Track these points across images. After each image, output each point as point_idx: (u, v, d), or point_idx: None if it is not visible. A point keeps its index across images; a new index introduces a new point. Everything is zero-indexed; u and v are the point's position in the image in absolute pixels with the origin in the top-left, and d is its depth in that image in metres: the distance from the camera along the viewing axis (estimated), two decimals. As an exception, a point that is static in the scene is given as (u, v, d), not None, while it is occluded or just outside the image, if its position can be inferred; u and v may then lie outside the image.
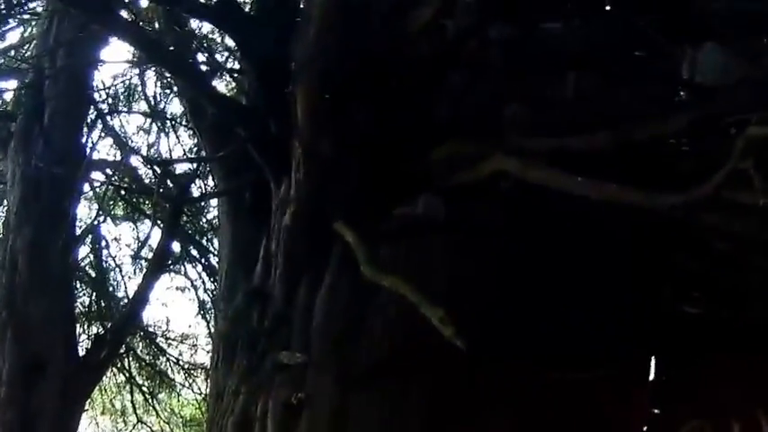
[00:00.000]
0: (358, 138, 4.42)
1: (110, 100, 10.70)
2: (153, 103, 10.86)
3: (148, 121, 11.21)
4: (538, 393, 5.33)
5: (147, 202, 10.58)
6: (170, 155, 11.05)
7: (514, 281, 4.96)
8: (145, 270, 10.13)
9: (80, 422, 9.60)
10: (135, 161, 11.39)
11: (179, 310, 13.53)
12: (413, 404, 5.30)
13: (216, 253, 10.21)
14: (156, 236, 9.47)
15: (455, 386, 5.32)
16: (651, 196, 3.65)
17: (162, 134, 11.25)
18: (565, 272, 5.22)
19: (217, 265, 9.05)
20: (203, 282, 11.51)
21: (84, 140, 9.92)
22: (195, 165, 9.22)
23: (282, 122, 4.51)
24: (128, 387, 12.63)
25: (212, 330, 10.52)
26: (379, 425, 4.89)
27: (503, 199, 4.67)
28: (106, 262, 11.84)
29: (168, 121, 11.03)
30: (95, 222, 11.14)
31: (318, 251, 4.55)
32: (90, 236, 11.22)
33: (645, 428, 5.58)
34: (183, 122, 10.47)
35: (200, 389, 12.62)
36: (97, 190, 11.20)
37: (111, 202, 11.54)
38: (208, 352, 12.23)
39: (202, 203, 10.58)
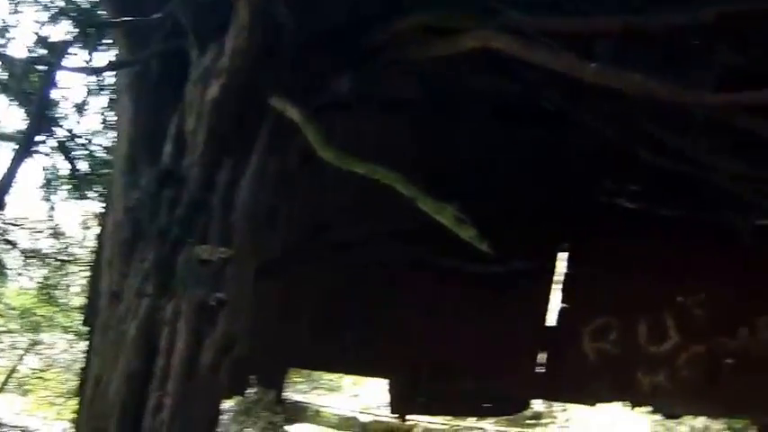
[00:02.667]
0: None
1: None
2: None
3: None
4: (446, 286, 5.27)
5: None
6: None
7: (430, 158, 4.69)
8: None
9: None
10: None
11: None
12: (308, 292, 5.27)
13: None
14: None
15: (353, 275, 5.25)
16: (680, 91, 3.43)
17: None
18: (478, 156, 4.99)
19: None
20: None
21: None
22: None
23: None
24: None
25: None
26: (278, 313, 4.78)
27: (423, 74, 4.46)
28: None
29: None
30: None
31: (246, 130, 4.00)
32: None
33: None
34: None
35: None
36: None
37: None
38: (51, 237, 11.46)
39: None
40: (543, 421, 12.50)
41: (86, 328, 5.06)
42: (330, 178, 5.12)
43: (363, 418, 13.31)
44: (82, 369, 4.77)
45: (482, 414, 9.46)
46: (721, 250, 5.58)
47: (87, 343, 4.81)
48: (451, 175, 4.41)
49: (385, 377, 5.87)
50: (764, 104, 3.66)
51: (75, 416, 4.59)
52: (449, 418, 12.48)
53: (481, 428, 12.85)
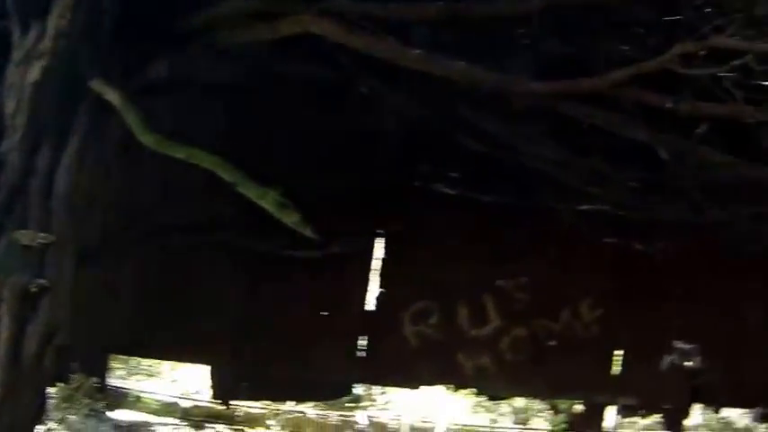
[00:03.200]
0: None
1: None
2: None
3: None
4: (265, 271, 5.33)
5: None
6: None
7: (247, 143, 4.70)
8: None
9: None
10: None
11: None
12: (126, 278, 5.20)
13: None
14: None
15: (173, 261, 5.23)
16: (506, 79, 3.52)
17: None
18: (295, 142, 4.99)
19: None
20: None
21: None
22: None
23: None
24: None
25: None
26: (98, 299, 4.67)
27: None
28: None
29: None
30: None
31: (66, 114, 3.89)
32: None
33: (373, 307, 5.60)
34: None
35: None
36: None
37: None
38: None
39: None
40: (363, 404, 12.65)
41: None
42: (148, 163, 5.05)
43: (184, 404, 13.09)
44: None
45: (305, 399, 9.42)
46: (542, 235, 5.79)
47: None
48: (268, 160, 4.35)
49: (207, 363, 5.82)
50: (588, 92, 3.79)
51: None
52: (271, 402, 12.45)
53: (302, 412, 12.88)
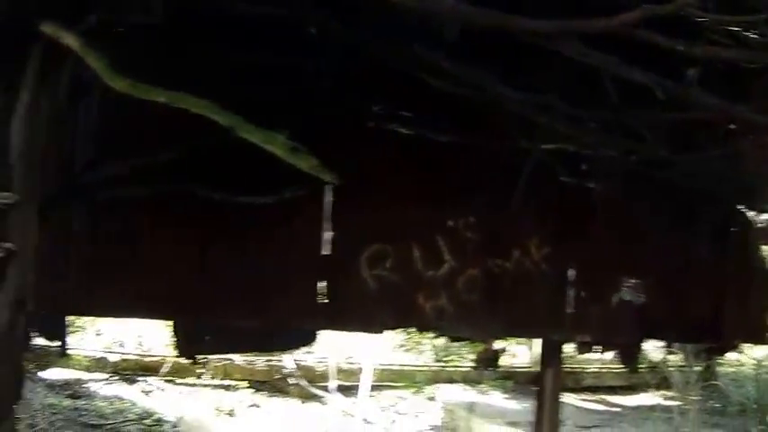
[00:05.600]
0: None
1: None
2: None
3: None
4: (219, 220, 5.13)
5: None
6: None
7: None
8: None
9: None
10: None
11: None
12: (76, 234, 4.97)
13: None
14: None
15: (122, 215, 5.01)
16: (507, 18, 3.36)
17: None
18: (239, 86, 4.75)
19: None
20: None
21: None
22: None
23: None
24: None
25: None
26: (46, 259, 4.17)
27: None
28: None
29: None
30: None
31: (15, 61, 3.58)
32: None
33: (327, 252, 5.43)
34: None
35: None
36: None
37: None
38: None
39: None
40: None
41: None
42: (83, 112, 4.75)
43: (112, 358, 12.94)
44: None
45: (269, 349, 9.38)
46: (490, 174, 5.69)
47: None
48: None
49: (167, 318, 5.65)
50: (598, 32, 3.74)
51: None
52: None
53: (229, 359, 12.82)
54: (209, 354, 7.71)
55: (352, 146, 5.23)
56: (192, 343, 5.59)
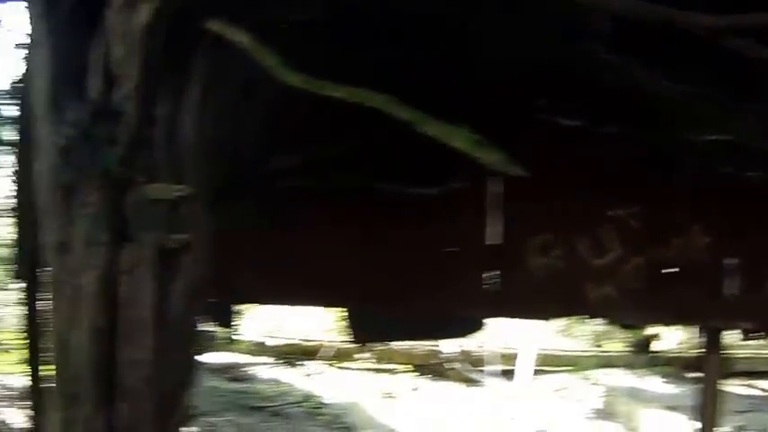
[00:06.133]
0: None
1: None
2: None
3: None
4: (387, 211, 5.21)
5: None
6: None
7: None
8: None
9: None
10: None
11: None
12: (249, 224, 5.03)
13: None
14: None
15: (291, 202, 5.12)
16: (674, 13, 3.34)
17: None
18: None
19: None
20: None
21: None
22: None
23: None
24: None
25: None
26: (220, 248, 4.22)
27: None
28: None
29: None
30: None
31: (182, 57, 3.68)
32: None
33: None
34: None
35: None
36: None
37: None
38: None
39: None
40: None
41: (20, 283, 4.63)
42: (251, 106, 4.90)
43: (271, 342, 13.29)
44: (27, 327, 4.39)
45: (437, 337, 9.52)
46: (652, 166, 5.60)
47: (24, 298, 4.43)
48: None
49: (342, 306, 5.80)
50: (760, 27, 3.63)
51: (33, 381, 4.24)
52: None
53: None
54: (380, 341, 7.89)
55: (519, 137, 5.23)
56: (365, 330, 5.75)
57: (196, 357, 3.83)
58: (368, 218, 5.17)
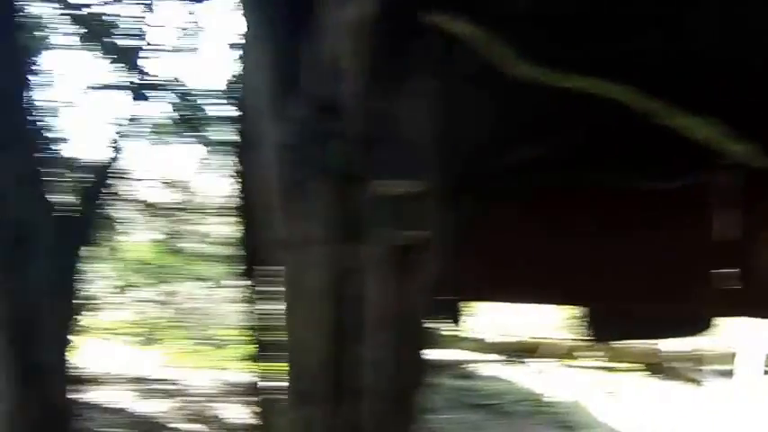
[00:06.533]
0: None
1: None
2: None
3: None
4: (621, 206, 4.96)
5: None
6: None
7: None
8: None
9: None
10: None
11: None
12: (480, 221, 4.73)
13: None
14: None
15: (521, 198, 4.94)
16: None
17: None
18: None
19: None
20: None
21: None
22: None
23: None
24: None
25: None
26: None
27: None
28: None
29: None
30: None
31: (405, 51, 3.59)
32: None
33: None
34: None
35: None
36: None
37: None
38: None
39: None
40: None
41: (243, 280, 4.70)
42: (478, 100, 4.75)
43: (491, 339, 13.31)
44: (251, 325, 4.44)
45: (666, 336, 9.25)
46: None
47: (248, 296, 4.48)
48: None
49: (583, 305, 5.61)
50: None
51: (262, 377, 4.29)
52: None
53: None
54: (618, 340, 7.69)
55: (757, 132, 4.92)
56: (606, 328, 5.57)
57: (428, 356, 3.76)
58: (602, 214, 4.96)
